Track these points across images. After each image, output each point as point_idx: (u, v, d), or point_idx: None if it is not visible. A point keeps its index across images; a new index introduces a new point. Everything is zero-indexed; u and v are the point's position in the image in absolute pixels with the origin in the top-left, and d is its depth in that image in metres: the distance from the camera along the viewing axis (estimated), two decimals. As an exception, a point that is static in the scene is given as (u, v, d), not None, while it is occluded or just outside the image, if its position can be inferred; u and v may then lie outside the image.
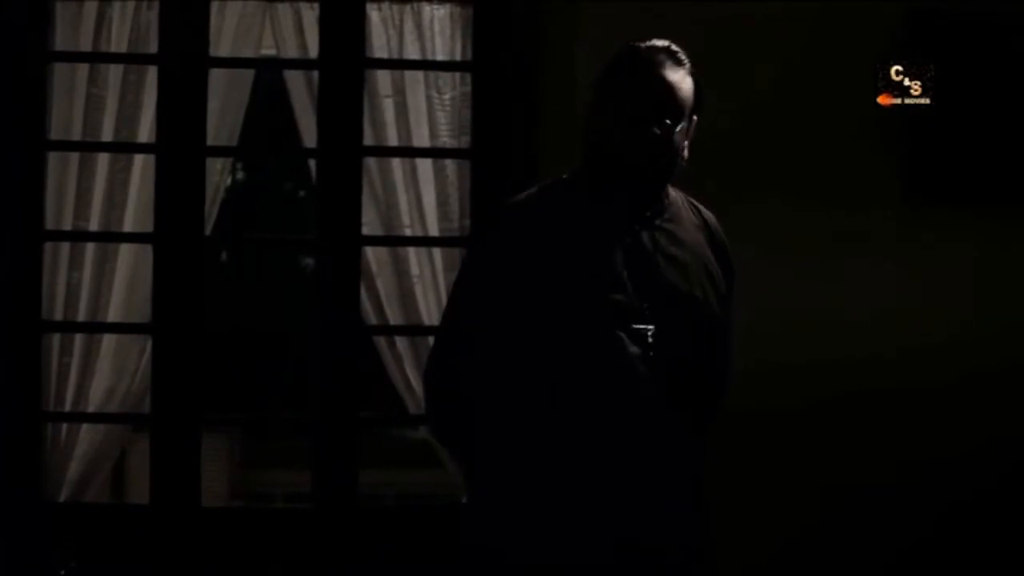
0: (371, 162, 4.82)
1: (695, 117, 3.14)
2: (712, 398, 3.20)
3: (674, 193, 3.22)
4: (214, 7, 4.75)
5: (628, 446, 3.02)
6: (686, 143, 3.12)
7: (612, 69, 3.12)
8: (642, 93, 3.06)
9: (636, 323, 3.04)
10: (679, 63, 3.10)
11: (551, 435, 3.01)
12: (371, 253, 4.84)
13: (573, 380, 3.00)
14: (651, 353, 3.03)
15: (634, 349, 3.02)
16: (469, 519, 3.13)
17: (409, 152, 4.85)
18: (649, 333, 3.04)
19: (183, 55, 4.68)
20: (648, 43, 3.13)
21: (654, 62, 3.09)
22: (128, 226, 4.78)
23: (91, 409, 4.76)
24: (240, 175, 12.26)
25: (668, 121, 3.06)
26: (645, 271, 3.08)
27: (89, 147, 4.75)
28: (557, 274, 3.03)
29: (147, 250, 4.71)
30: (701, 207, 3.28)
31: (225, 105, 4.82)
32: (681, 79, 3.08)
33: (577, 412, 3.00)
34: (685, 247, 3.16)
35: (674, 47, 3.13)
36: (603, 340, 3.01)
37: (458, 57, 4.85)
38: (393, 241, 4.85)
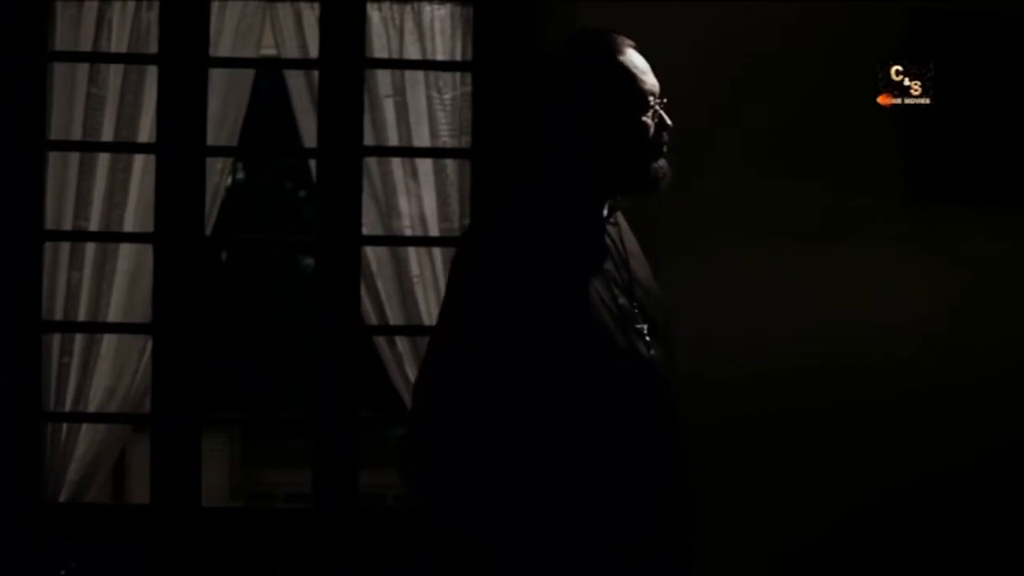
0: (371, 162, 4.82)
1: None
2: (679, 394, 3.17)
3: None
4: (214, 7, 4.76)
5: (649, 445, 3.01)
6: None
7: (603, 67, 3.06)
8: (637, 93, 3.04)
9: (636, 324, 3.04)
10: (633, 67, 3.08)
11: (578, 442, 2.96)
12: (371, 253, 4.84)
13: (597, 387, 2.96)
14: (651, 352, 3.03)
15: (643, 350, 3.02)
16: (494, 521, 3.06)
17: (409, 152, 4.85)
18: (645, 332, 3.04)
19: (183, 55, 4.69)
20: (618, 38, 3.08)
21: (637, 57, 3.07)
22: (128, 226, 4.78)
23: (91, 409, 4.76)
24: (240, 175, 12.24)
25: (654, 118, 3.07)
26: (625, 271, 3.08)
27: (89, 147, 4.76)
28: (563, 286, 2.97)
29: (147, 250, 4.71)
30: None
31: (225, 105, 4.82)
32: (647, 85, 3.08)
33: (603, 416, 2.97)
34: (636, 244, 3.18)
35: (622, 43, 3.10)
36: (621, 345, 2.99)
37: (458, 57, 4.86)
38: (393, 241, 4.85)
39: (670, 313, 3.15)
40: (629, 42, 3.09)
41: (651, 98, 3.06)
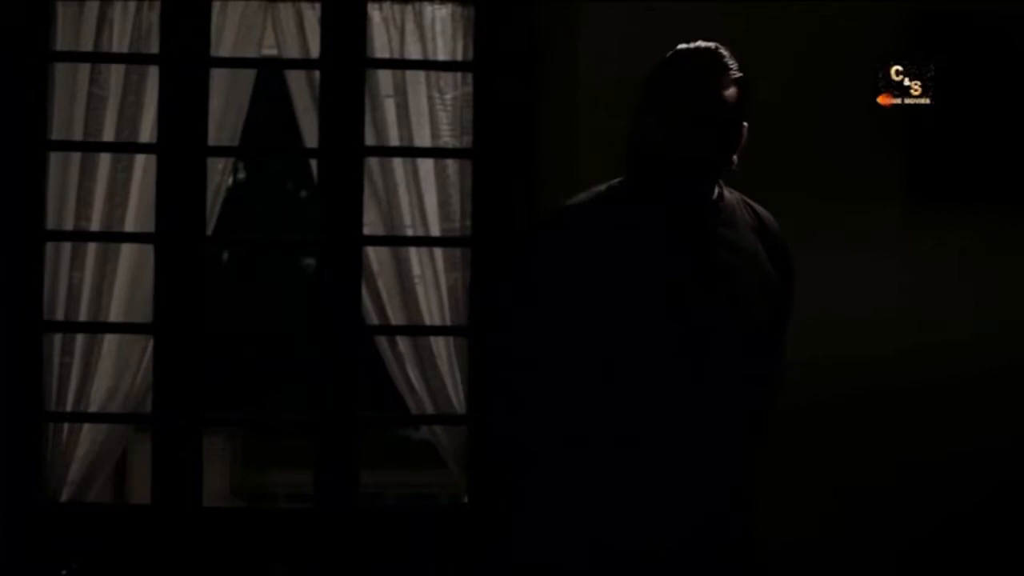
0: (372, 162, 4.82)
1: (744, 122, 3.10)
2: (754, 400, 3.16)
3: (729, 195, 3.19)
4: (215, 7, 4.75)
5: (649, 452, 3.01)
6: (734, 148, 3.10)
7: (654, 73, 3.08)
8: (678, 99, 3.04)
9: (689, 331, 3.03)
10: (722, 68, 3.06)
11: (583, 441, 3.02)
12: (372, 253, 4.84)
13: (627, 389, 3.00)
14: (704, 361, 3.03)
15: (686, 357, 3.02)
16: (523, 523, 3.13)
17: (410, 152, 4.85)
18: (702, 341, 3.03)
19: (184, 55, 4.68)
20: (693, 46, 3.10)
21: (693, 67, 3.06)
22: (129, 226, 4.78)
23: (92, 409, 4.76)
24: (241, 175, 12.28)
25: (704, 127, 3.04)
26: (697, 278, 3.06)
27: (90, 147, 4.75)
28: (612, 281, 3.01)
29: (148, 250, 4.71)
30: (758, 208, 3.26)
31: (226, 105, 4.82)
32: (721, 85, 3.05)
33: (630, 420, 3.00)
34: (737, 251, 3.14)
35: (721, 51, 3.08)
36: (657, 348, 3.00)
37: (459, 57, 4.85)
38: (394, 241, 4.85)
39: (757, 318, 3.12)
40: (709, 59, 3.09)
41: (711, 116, 3.05)
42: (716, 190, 3.16)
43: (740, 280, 3.11)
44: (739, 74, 3.08)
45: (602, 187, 3.17)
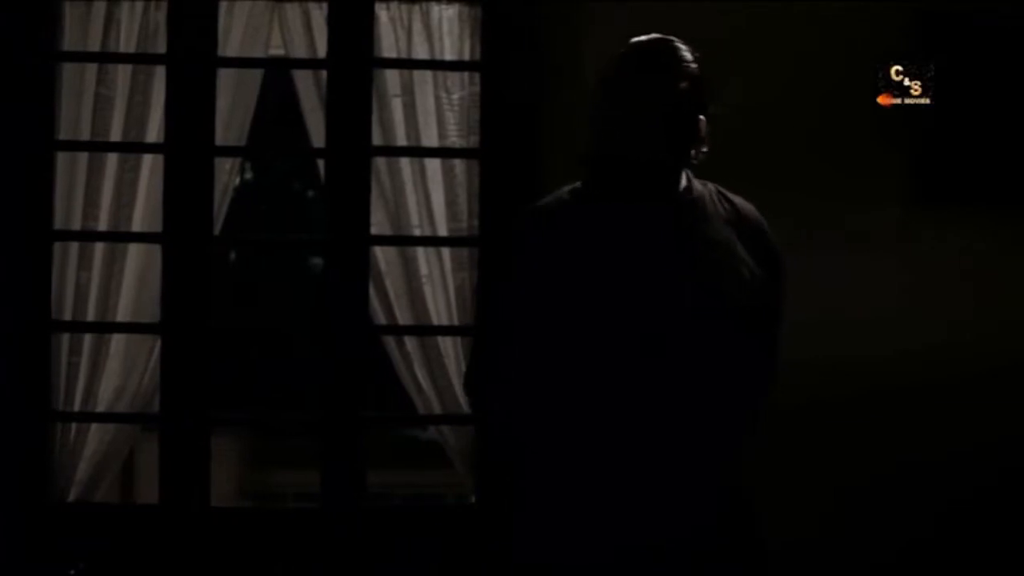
0: (380, 162, 4.82)
1: (701, 115, 3.08)
2: (747, 398, 3.15)
3: (700, 187, 3.17)
4: (222, 7, 4.76)
5: (641, 451, 3.01)
6: (694, 141, 3.08)
7: (608, 68, 3.09)
8: (630, 94, 3.04)
9: (654, 328, 3.02)
10: (676, 61, 3.06)
11: (574, 440, 3.03)
12: (380, 253, 4.85)
13: (592, 387, 3.00)
14: (690, 360, 3.02)
15: (672, 357, 3.02)
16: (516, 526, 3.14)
17: (418, 152, 4.86)
18: (686, 339, 3.03)
19: (192, 55, 4.69)
20: (646, 39, 3.10)
21: (645, 61, 3.06)
22: (137, 226, 4.79)
23: (100, 409, 4.77)
24: (249, 175, 12.28)
25: (657, 121, 3.03)
26: (667, 273, 3.05)
27: (98, 147, 4.76)
28: (592, 281, 3.01)
29: (156, 250, 4.72)
30: (736, 199, 3.23)
31: (234, 105, 4.83)
32: (674, 78, 3.05)
33: (595, 419, 3.01)
34: (713, 246, 3.12)
35: (675, 43, 3.08)
36: (641, 349, 3.00)
37: (467, 57, 4.86)
38: (402, 241, 4.85)
39: (739, 313, 3.09)
40: (662, 52, 3.09)
41: (658, 110, 3.04)
42: (684, 184, 3.14)
43: (717, 275, 3.09)
44: (694, 66, 3.07)
45: (565, 190, 3.17)
